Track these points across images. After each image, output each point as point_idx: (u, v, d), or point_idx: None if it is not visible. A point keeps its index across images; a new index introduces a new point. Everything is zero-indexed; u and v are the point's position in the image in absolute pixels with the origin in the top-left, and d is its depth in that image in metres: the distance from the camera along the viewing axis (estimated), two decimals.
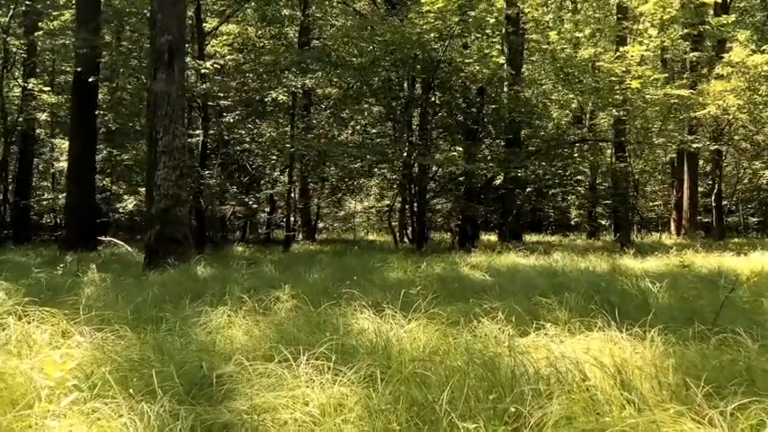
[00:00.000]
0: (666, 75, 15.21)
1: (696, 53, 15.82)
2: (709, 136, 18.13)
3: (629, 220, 14.48)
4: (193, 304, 5.34)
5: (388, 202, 24.74)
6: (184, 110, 10.26)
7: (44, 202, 23.38)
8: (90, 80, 14.83)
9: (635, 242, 14.75)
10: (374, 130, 20.39)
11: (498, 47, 16.76)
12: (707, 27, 14.94)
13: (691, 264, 10.54)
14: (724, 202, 25.93)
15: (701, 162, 24.86)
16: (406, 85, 17.28)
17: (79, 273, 7.79)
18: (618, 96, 13.17)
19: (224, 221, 19.13)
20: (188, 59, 16.17)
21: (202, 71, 14.94)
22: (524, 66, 19.82)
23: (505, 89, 17.23)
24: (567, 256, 11.13)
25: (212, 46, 18.32)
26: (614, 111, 13.29)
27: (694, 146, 14.56)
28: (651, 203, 30.09)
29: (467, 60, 15.71)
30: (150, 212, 9.01)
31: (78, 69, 15.45)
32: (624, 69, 12.79)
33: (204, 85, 15.20)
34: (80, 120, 15.85)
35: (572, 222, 31.28)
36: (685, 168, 22.75)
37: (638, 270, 9.14)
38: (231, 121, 15.66)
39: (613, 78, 13.13)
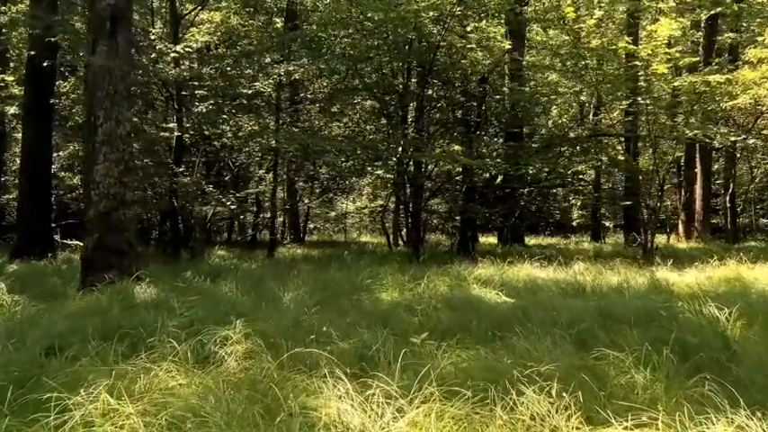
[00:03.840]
0: (698, 59, 13.60)
1: (732, 34, 14.23)
2: (734, 130, 16.51)
3: (653, 223, 12.86)
4: (97, 351, 3.69)
5: (381, 203, 23.16)
6: (131, 91, 8.56)
7: None
8: (45, 64, 13.13)
9: (657, 247, 13.16)
10: (367, 127, 18.86)
11: (502, 30, 15.15)
12: (743, 5, 13.36)
13: (738, 276, 9.00)
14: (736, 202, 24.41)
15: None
16: (401, 78, 15.67)
17: None
18: (642, 84, 11.57)
19: (206, 223, 17.40)
20: (159, 46, 14.47)
21: (172, 55, 13.23)
22: (527, 54, 18.21)
23: (507, 71, 15.56)
24: (590, 266, 9.50)
25: (192, 35, 16.66)
26: (639, 99, 11.68)
27: (732, 139, 12.99)
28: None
29: (468, 46, 14.11)
30: (88, 216, 7.30)
31: (32, 53, 13.70)
32: (650, 52, 11.18)
33: (174, 71, 13.51)
34: (33, 109, 14.03)
35: (573, 224, 29.85)
36: (698, 166, 21.17)
37: (684, 287, 7.51)
38: (205, 111, 13.95)
39: (638, 63, 11.51)
